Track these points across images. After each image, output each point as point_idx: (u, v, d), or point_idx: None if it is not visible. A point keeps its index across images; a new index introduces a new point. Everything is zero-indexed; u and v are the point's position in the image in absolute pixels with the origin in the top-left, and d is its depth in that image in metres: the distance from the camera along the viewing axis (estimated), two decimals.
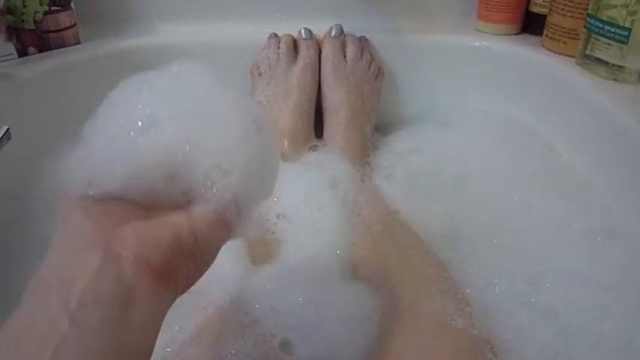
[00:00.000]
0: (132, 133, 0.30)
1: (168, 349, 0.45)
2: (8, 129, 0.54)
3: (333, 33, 0.81)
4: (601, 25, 0.66)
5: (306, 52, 0.80)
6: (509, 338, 0.48)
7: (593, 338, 0.48)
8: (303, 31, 0.81)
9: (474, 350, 0.45)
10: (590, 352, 0.47)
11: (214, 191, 0.30)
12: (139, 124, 0.30)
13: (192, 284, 0.30)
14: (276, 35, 0.81)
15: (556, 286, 0.53)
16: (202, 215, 0.30)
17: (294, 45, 0.81)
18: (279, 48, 0.80)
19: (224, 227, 0.30)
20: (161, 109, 0.31)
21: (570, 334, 0.48)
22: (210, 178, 0.30)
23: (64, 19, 0.77)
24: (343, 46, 0.81)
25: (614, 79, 0.67)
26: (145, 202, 0.30)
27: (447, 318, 0.46)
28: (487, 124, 0.80)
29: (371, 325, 0.47)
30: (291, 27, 0.82)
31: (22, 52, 0.74)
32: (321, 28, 0.81)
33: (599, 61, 0.68)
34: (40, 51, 0.76)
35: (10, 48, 0.73)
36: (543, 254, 0.56)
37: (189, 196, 0.30)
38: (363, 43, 0.82)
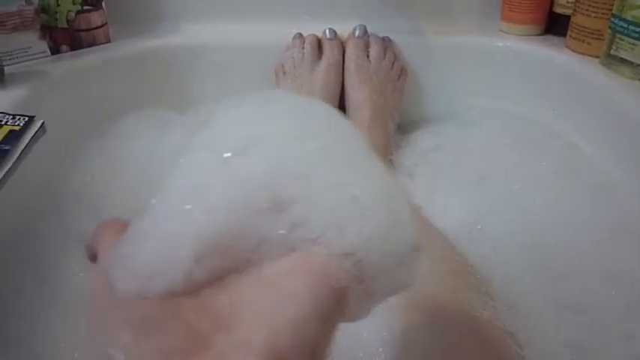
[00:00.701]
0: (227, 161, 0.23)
1: None
2: (43, 123, 0.56)
3: (356, 33, 0.82)
4: (626, 25, 0.67)
5: (330, 52, 0.81)
6: (533, 333, 0.49)
7: (618, 333, 0.48)
8: (327, 31, 0.82)
9: (499, 342, 0.46)
10: (616, 347, 0.47)
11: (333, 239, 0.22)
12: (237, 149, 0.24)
13: None
14: (300, 35, 0.83)
15: (581, 282, 0.53)
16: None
17: (319, 45, 0.82)
18: (303, 48, 0.81)
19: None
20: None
21: (596, 329, 0.49)
22: (338, 217, 0.23)
23: (95, 18, 0.79)
24: (367, 46, 0.82)
25: (639, 79, 0.67)
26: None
27: (473, 311, 0.47)
28: (510, 124, 0.80)
29: (395, 318, 0.47)
30: (316, 27, 0.83)
31: (55, 50, 0.77)
32: (345, 28, 0.83)
33: (623, 61, 0.68)
34: (72, 49, 0.78)
35: (44, 46, 0.75)
36: (567, 250, 0.56)
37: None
38: (386, 43, 0.83)
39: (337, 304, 0.22)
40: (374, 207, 0.23)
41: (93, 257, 0.27)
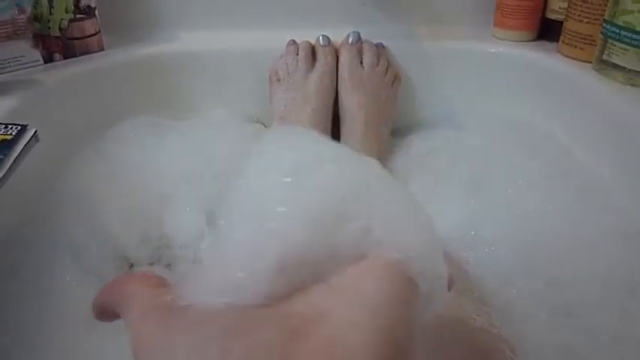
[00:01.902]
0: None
1: None
2: (36, 131, 0.56)
3: (350, 40, 0.82)
4: (617, 31, 0.67)
5: (323, 59, 0.81)
6: (527, 338, 0.49)
7: (611, 338, 0.48)
8: (321, 38, 0.82)
9: (492, 348, 0.46)
10: (609, 352, 0.47)
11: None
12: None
13: None
14: (294, 42, 0.83)
15: (574, 287, 0.53)
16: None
17: (313, 52, 0.82)
18: (297, 54, 0.81)
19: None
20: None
21: (589, 334, 0.49)
22: (393, 227, 0.24)
23: (88, 26, 0.79)
24: (360, 52, 0.82)
25: (631, 84, 0.67)
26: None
27: (466, 316, 0.47)
28: (503, 129, 0.80)
29: None
30: (310, 34, 0.83)
31: (48, 59, 0.76)
32: (339, 35, 0.83)
33: (615, 66, 0.69)
34: (65, 57, 0.78)
35: (37, 54, 0.75)
36: (561, 255, 0.56)
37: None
38: (379, 49, 0.83)
39: (414, 290, 0.23)
40: (420, 222, 0.25)
41: (103, 314, 0.26)
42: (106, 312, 0.25)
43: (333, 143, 0.27)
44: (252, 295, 0.22)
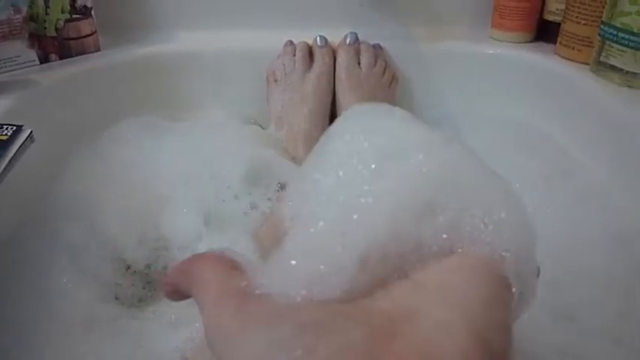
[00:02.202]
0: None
1: (189, 346, 0.45)
2: (31, 132, 0.56)
3: (347, 40, 0.82)
4: (615, 32, 0.67)
5: (321, 60, 0.81)
6: (526, 338, 0.48)
7: (611, 339, 0.48)
8: (318, 38, 0.82)
9: None
10: (608, 353, 0.47)
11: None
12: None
13: None
14: (292, 42, 0.83)
15: (572, 288, 0.53)
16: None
17: (310, 52, 0.82)
18: (294, 55, 0.81)
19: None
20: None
21: (587, 335, 0.48)
22: (486, 219, 0.23)
23: (84, 26, 0.78)
24: (357, 53, 0.82)
25: (629, 86, 0.67)
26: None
27: None
28: (501, 131, 0.80)
29: None
30: (307, 35, 0.83)
31: (44, 59, 0.76)
32: (337, 35, 0.83)
33: (613, 68, 0.69)
34: (61, 58, 0.78)
35: (33, 55, 0.75)
36: (560, 255, 0.56)
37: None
38: (377, 50, 0.83)
39: (507, 291, 0.22)
40: (517, 214, 0.24)
41: (174, 293, 0.25)
42: (178, 291, 0.25)
43: (421, 126, 0.26)
44: (332, 289, 0.21)
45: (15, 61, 0.73)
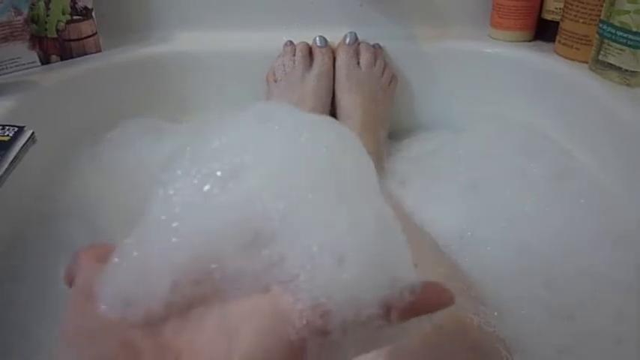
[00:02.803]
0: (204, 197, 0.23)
1: None
2: (33, 133, 0.56)
3: (347, 41, 0.82)
4: (613, 31, 0.67)
5: (320, 60, 0.81)
6: (524, 338, 0.49)
7: (609, 340, 0.48)
8: (318, 38, 0.82)
9: (489, 348, 0.46)
10: (607, 353, 0.48)
11: (318, 283, 0.21)
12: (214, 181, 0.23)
13: None
14: (291, 43, 0.83)
15: (571, 288, 0.53)
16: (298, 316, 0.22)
17: (310, 52, 0.82)
18: (294, 55, 0.82)
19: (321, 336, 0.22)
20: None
21: (586, 334, 0.49)
22: (314, 262, 0.22)
23: (85, 28, 0.79)
24: (357, 53, 0.82)
25: (627, 84, 0.68)
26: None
27: (463, 316, 0.47)
28: (500, 130, 0.80)
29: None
30: (307, 35, 0.83)
31: (45, 60, 0.77)
32: (336, 36, 0.83)
33: (611, 66, 0.69)
34: (62, 59, 0.78)
35: (34, 56, 0.75)
36: (559, 256, 0.57)
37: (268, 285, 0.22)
38: (376, 50, 0.83)
39: (289, 354, 0.21)
40: (358, 255, 0.22)
41: (70, 282, 0.26)
42: (71, 281, 0.26)
43: (279, 143, 0.24)
44: (146, 309, 0.22)
45: (16, 62, 0.73)
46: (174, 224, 0.22)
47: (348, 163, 0.25)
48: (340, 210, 0.23)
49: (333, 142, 0.25)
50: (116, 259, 0.23)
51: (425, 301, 0.23)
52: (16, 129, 0.55)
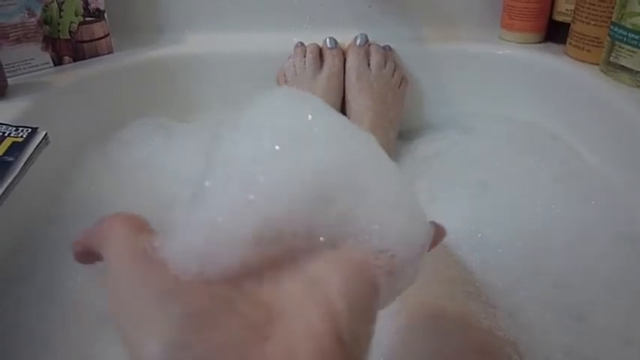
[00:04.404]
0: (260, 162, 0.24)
1: None
2: (46, 134, 0.56)
3: (357, 42, 0.82)
4: (625, 33, 0.67)
5: (331, 61, 0.81)
6: (534, 340, 0.49)
7: (619, 341, 0.48)
8: (328, 40, 0.83)
9: (499, 351, 0.46)
10: (617, 355, 0.47)
11: (373, 232, 0.24)
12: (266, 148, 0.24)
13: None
14: (302, 44, 0.83)
15: (581, 290, 0.53)
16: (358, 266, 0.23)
17: (320, 54, 0.83)
18: (305, 56, 0.82)
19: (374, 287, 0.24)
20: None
21: (596, 336, 0.49)
22: (374, 215, 0.24)
23: (97, 29, 0.80)
24: (367, 54, 0.82)
25: (638, 86, 0.67)
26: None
27: (472, 319, 0.47)
28: (510, 131, 0.80)
29: (395, 326, 0.47)
30: (317, 36, 0.83)
31: (58, 62, 0.77)
32: (346, 37, 0.83)
33: (623, 68, 0.69)
34: (74, 60, 0.79)
35: (47, 57, 0.76)
36: (567, 258, 0.56)
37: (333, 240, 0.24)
38: (387, 51, 0.83)
39: (374, 296, 0.23)
40: (401, 206, 0.26)
41: (83, 254, 0.25)
42: (86, 252, 0.25)
43: (334, 115, 0.26)
44: (224, 267, 0.22)
45: (29, 63, 0.74)
46: (242, 184, 0.23)
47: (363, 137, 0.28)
48: (380, 174, 0.26)
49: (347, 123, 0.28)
50: (181, 221, 0.23)
51: (436, 235, 0.28)
52: (30, 130, 0.56)
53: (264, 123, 0.25)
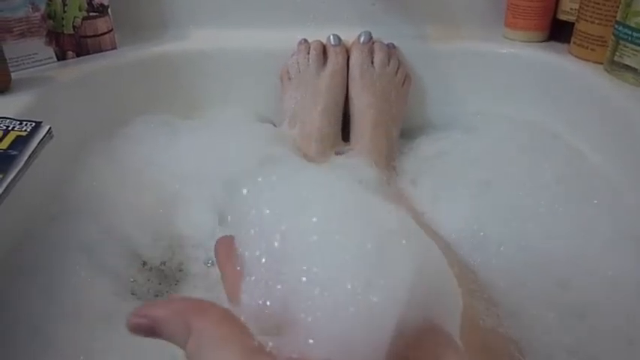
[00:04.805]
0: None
1: None
2: (50, 128, 0.57)
3: (361, 39, 0.82)
4: (629, 32, 0.67)
5: (334, 58, 0.81)
6: (536, 339, 0.49)
7: (622, 340, 0.48)
8: (332, 37, 0.83)
9: (502, 350, 0.46)
10: (620, 354, 0.47)
11: None
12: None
13: None
14: (306, 41, 0.83)
15: (583, 289, 0.53)
16: None
17: (324, 51, 0.83)
18: (308, 53, 0.82)
19: None
20: None
21: (598, 335, 0.49)
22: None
23: (101, 24, 0.79)
24: (371, 52, 0.82)
25: None
26: None
27: (475, 317, 0.47)
28: (513, 130, 0.80)
29: None
30: (320, 33, 0.83)
31: (61, 56, 0.77)
32: (350, 34, 0.83)
33: (627, 67, 0.68)
34: (78, 55, 0.79)
35: (50, 52, 0.76)
36: (570, 257, 0.56)
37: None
38: (390, 49, 0.83)
39: None
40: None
41: (146, 329, 0.23)
42: (154, 331, 0.23)
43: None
44: (273, 323, 0.22)
45: (33, 58, 0.74)
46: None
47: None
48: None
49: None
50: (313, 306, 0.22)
51: None
52: (34, 124, 0.56)
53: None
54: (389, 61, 0.82)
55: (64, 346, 0.48)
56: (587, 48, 0.76)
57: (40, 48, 0.74)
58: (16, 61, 0.72)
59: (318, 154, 0.77)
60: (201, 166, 0.70)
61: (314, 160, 0.75)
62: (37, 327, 0.50)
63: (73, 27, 0.77)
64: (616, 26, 0.69)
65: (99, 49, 0.81)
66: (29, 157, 0.52)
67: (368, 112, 0.79)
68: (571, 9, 0.80)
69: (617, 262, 0.55)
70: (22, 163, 0.51)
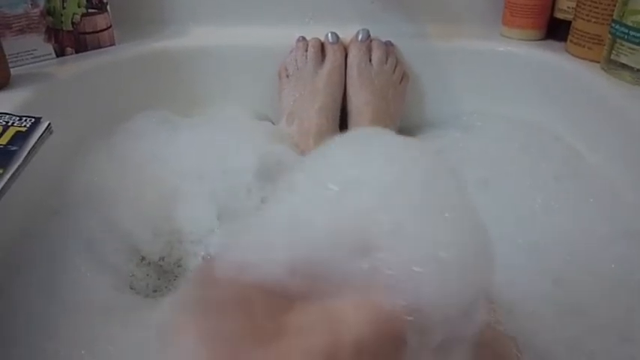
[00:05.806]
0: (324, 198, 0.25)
1: None
2: (49, 124, 0.57)
3: (359, 37, 0.83)
4: (626, 31, 0.67)
5: (332, 56, 0.82)
6: (534, 335, 0.49)
7: (619, 337, 0.48)
8: (330, 35, 0.83)
9: (499, 346, 0.46)
10: (617, 350, 0.48)
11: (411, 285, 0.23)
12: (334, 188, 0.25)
13: None
14: (304, 38, 0.83)
15: (581, 285, 0.53)
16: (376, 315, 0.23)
17: (322, 48, 0.83)
18: (307, 51, 0.82)
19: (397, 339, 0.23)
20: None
21: (595, 332, 0.49)
22: (414, 271, 0.24)
23: (100, 21, 0.79)
24: (369, 50, 0.83)
25: (639, 84, 0.68)
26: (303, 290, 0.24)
27: None
28: (511, 129, 0.81)
29: None
30: (319, 31, 0.84)
31: (60, 53, 0.77)
32: (348, 32, 0.83)
33: (624, 66, 0.69)
34: (77, 52, 0.79)
35: (49, 48, 0.76)
36: (567, 254, 0.57)
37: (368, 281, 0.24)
38: (388, 47, 0.83)
39: (394, 348, 0.23)
40: (456, 266, 0.25)
41: None
42: None
43: (386, 162, 0.26)
44: (256, 277, 0.23)
45: (32, 54, 0.74)
46: (294, 223, 0.24)
47: (440, 179, 0.29)
48: (439, 227, 0.26)
49: (425, 162, 0.29)
50: (238, 234, 0.25)
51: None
52: (34, 120, 0.56)
53: (324, 168, 0.26)
54: (387, 59, 0.82)
55: (63, 339, 0.48)
56: (584, 46, 0.77)
57: (39, 44, 0.74)
58: (15, 57, 0.72)
59: None
60: (200, 162, 0.70)
61: None
62: (36, 321, 0.50)
63: (72, 23, 0.77)
64: (613, 25, 0.70)
65: (98, 46, 0.81)
66: (29, 152, 0.52)
67: (365, 109, 0.79)
68: (568, 7, 0.81)
69: (614, 260, 0.56)
70: (21, 159, 0.51)
